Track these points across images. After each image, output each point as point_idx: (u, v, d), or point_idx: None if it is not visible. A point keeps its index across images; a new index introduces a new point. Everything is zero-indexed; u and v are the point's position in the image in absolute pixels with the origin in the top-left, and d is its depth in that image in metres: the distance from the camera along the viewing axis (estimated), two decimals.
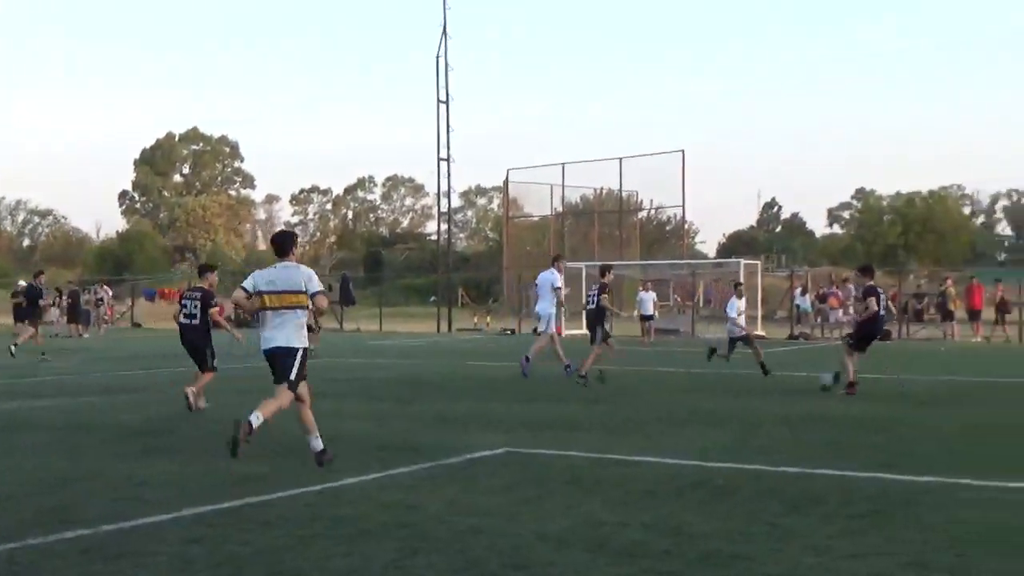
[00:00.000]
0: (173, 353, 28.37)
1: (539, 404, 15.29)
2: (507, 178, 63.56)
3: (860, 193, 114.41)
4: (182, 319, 15.36)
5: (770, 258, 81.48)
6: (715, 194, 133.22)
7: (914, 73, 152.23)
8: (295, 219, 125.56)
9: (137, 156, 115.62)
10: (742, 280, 27.46)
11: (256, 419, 9.80)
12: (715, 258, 76.99)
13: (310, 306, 9.96)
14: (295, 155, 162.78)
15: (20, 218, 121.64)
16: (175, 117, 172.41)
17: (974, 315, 36.45)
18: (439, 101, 47.69)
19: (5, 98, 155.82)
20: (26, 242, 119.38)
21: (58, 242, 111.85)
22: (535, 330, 20.03)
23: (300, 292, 9.85)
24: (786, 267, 71.27)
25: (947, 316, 36.05)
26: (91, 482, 8.95)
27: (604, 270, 20.80)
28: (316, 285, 9.90)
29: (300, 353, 9.93)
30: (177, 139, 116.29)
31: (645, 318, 36.30)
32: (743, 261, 44.47)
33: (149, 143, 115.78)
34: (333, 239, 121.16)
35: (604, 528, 7.14)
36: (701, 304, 51.87)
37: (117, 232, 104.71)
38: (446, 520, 7.41)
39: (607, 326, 19.90)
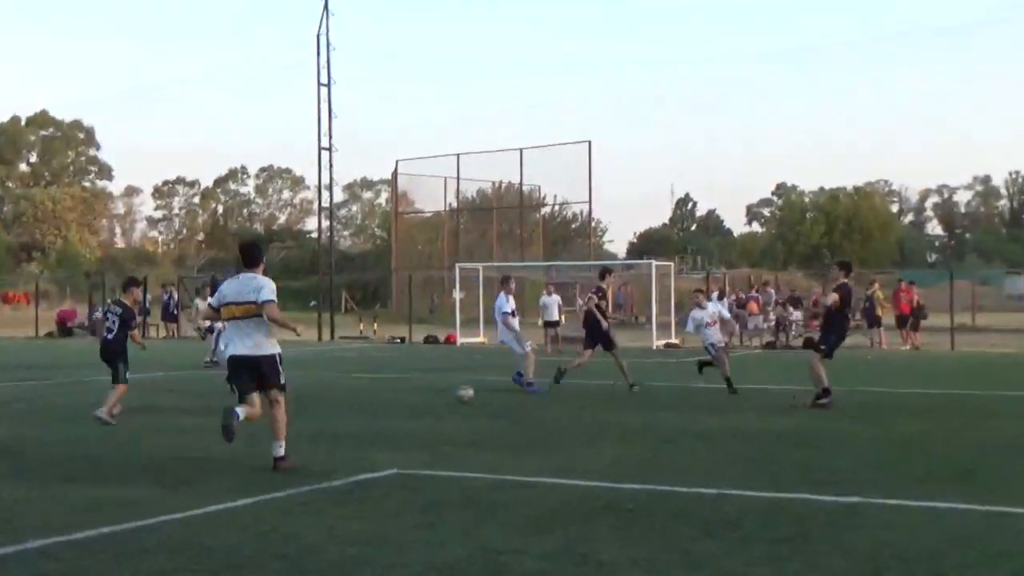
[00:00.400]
0: (18, 364, 27.79)
1: (433, 420, 15.27)
2: (396, 170, 63.40)
3: (781, 189, 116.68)
4: (105, 333, 16.18)
5: (684, 259, 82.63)
6: (624, 189, 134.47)
7: (837, 60, 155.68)
8: (158, 214, 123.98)
9: None
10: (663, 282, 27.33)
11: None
12: (625, 259, 77.81)
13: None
14: (158, 143, 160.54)
15: None
16: (20, 99, 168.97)
17: (903, 321, 37.21)
18: (320, 84, 47.28)
19: None
20: None
21: None
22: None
23: (252, 303, 10.85)
24: (702, 269, 72.21)
25: (874, 322, 36.76)
26: None
27: (604, 273, 21.64)
28: (266, 295, 10.81)
29: (278, 357, 11.00)
30: (24, 123, 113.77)
31: (550, 324, 36.33)
32: (655, 262, 45.03)
33: None
34: (201, 236, 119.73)
35: (502, 557, 7.15)
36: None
37: None
38: (326, 549, 7.35)
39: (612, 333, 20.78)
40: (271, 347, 10.97)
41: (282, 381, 11.09)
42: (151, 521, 8.26)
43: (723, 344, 20.11)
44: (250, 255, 11.25)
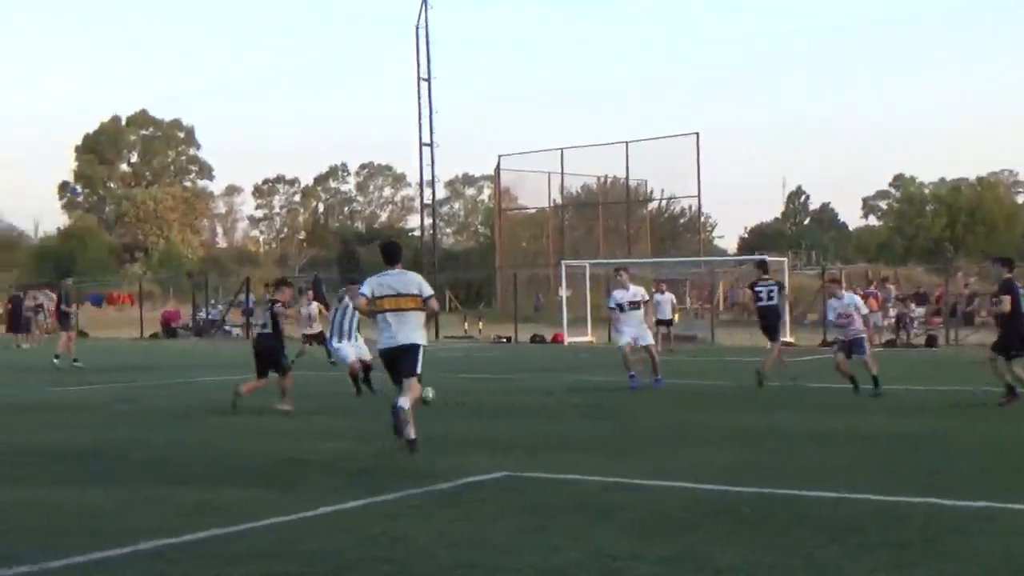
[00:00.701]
0: (123, 366, 28.40)
1: (540, 422, 15.31)
2: (498, 165, 63.59)
3: (899, 180, 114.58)
4: (259, 329, 18.14)
5: (798, 254, 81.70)
6: (735, 183, 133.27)
7: (957, 38, 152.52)
8: (259, 213, 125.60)
9: (79, 143, 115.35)
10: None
11: (408, 432, 12.06)
12: (736, 255, 77.15)
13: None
14: (258, 141, 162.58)
15: None
16: (121, 98, 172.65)
17: None
18: (420, 79, 47.71)
19: None
20: None
21: None
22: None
23: (416, 296, 12.36)
24: (816, 264, 71.36)
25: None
26: (35, 510, 8.94)
27: (765, 265, 22.47)
28: (429, 290, 12.54)
29: (422, 349, 12.37)
30: (124, 123, 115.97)
31: (661, 323, 36.09)
32: (768, 258, 44.53)
33: (92, 128, 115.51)
34: (302, 235, 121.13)
35: (616, 562, 7.14)
36: (722, 307, 51.93)
37: (58, 229, 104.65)
38: (436, 554, 7.41)
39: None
40: (422, 337, 12.46)
41: (418, 370, 12.32)
42: (260, 523, 8.39)
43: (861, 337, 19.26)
44: (395, 253, 12.81)
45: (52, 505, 9.20)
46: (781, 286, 21.70)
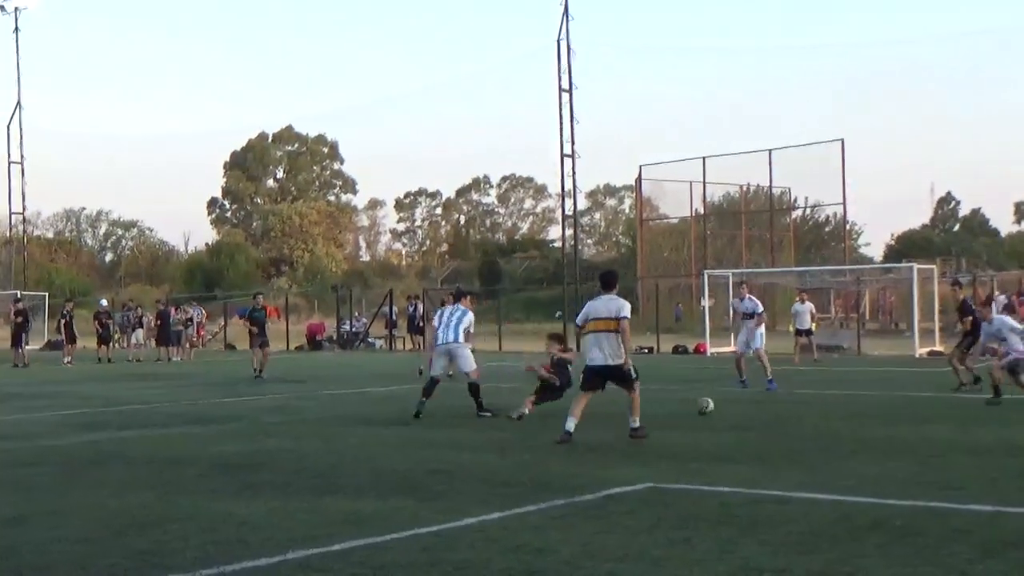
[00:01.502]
0: (271, 378, 28.96)
1: (684, 433, 15.20)
2: (640, 175, 63.49)
3: None
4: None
5: (948, 262, 79.83)
6: (881, 189, 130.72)
7: None
8: (401, 226, 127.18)
9: (227, 159, 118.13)
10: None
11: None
12: (883, 262, 75.74)
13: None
14: (400, 155, 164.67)
15: (102, 230, 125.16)
16: (267, 115, 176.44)
17: None
18: (561, 90, 47.72)
19: (83, 100, 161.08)
20: (109, 257, 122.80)
21: (143, 256, 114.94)
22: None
23: (613, 319, 14.16)
24: (967, 272, 69.66)
25: None
26: (185, 522, 9.15)
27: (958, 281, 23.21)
28: (625, 312, 14.27)
29: (630, 368, 14.28)
30: (270, 139, 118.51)
31: (801, 332, 35.78)
32: (916, 266, 43.65)
33: (239, 145, 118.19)
34: (444, 248, 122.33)
35: None
36: (868, 316, 51.01)
37: (207, 244, 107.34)
38: (581, 566, 7.40)
39: None
40: (620, 358, 14.17)
41: (634, 380, 14.33)
42: (405, 534, 8.47)
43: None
44: (608, 280, 14.84)
45: (207, 515, 9.41)
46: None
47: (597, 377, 14.41)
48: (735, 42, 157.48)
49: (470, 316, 18.44)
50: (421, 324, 48.16)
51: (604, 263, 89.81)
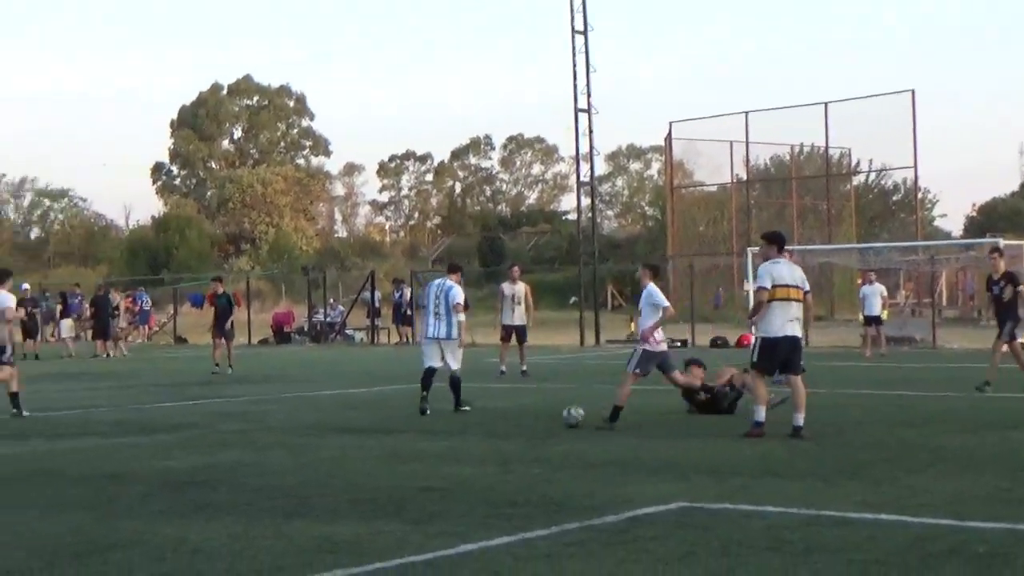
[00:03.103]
0: (228, 378, 28.99)
1: (724, 442, 15.21)
2: (669, 134, 63.40)
3: None
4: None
5: None
6: (959, 152, 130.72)
7: None
8: (384, 196, 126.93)
9: (174, 117, 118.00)
10: None
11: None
12: (962, 238, 75.68)
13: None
14: (382, 110, 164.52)
15: (26, 201, 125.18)
16: (220, 64, 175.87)
17: None
18: (574, 31, 47.54)
19: (2, 51, 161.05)
20: (35, 232, 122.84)
21: (76, 232, 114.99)
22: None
23: (800, 288, 15.58)
24: None
25: None
26: (130, 549, 9.17)
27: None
28: (807, 284, 15.74)
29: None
30: (224, 91, 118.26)
31: (870, 320, 35.45)
32: (1003, 241, 43.64)
33: (188, 99, 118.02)
34: (436, 221, 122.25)
35: None
36: (945, 302, 51.02)
37: (152, 217, 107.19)
38: None
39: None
40: (801, 330, 15.66)
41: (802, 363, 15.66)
42: (392, 563, 8.49)
43: None
44: (783, 241, 16.27)
45: (153, 542, 9.42)
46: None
47: (782, 351, 15.56)
48: None
49: (457, 291, 19.43)
50: (408, 312, 48.18)
51: (627, 239, 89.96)
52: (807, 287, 15.74)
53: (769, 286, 15.43)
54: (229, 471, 13.37)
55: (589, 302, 47.97)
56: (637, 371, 17.20)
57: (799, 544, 8.96)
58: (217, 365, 31.29)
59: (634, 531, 9.59)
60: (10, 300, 20.79)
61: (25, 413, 20.09)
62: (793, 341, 15.50)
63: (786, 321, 15.43)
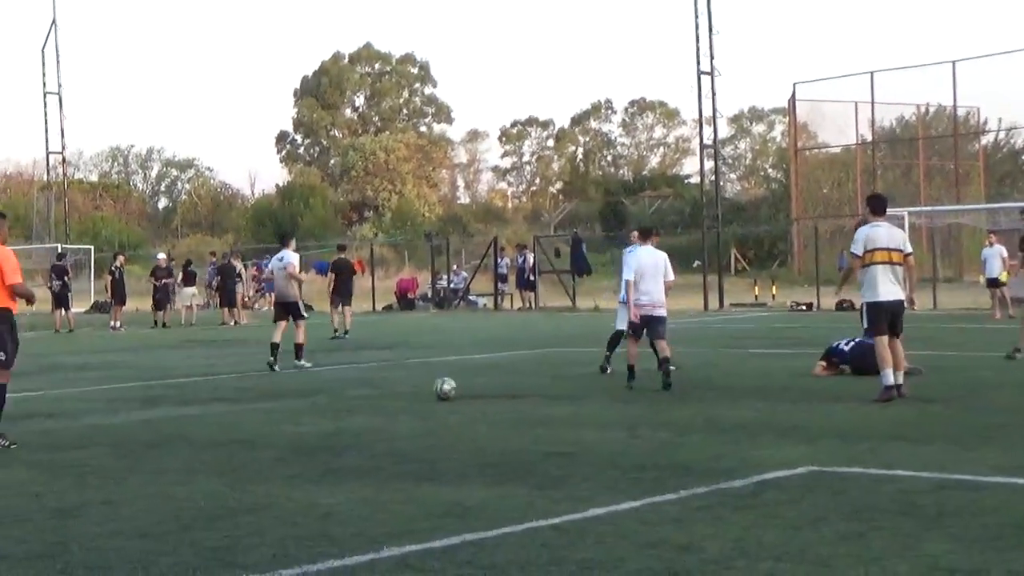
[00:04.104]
0: (354, 344, 29.26)
1: (853, 405, 15.09)
2: (794, 95, 62.80)
3: None
4: None
5: None
6: None
7: None
8: (506, 162, 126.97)
9: (297, 86, 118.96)
10: None
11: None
12: None
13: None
14: (504, 77, 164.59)
15: (154, 172, 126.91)
16: (343, 32, 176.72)
17: None
18: None
19: (128, 21, 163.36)
20: (162, 202, 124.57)
21: (203, 202, 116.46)
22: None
23: (899, 251, 15.71)
24: None
25: None
26: (261, 513, 9.31)
27: None
28: (909, 247, 15.95)
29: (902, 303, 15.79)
30: (346, 60, 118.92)
31: (991, 283, 34.95)
32: None
33: (311, 69, 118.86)
34: (558, 186, 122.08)
35: None
36: None
37: (276, 186, 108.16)
38: (732, 565, 7.40)
39: None
40: (902, 292, 15.71)
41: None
42: (520, 527, 8.52)
43: None
44: (881, 204, 16.34)
45: (284, 507, 9.55)
46: None
47: (887, 313, 15.62)
48: None
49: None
50: (532, 278, 48.23)
51: (750, 202, 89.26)
52: (908, 249, 15.90)
53: (860, 252, 15.64)
54: (357, 436, 13.49)
55: (712, 266, 47.71)
56: None
57: (931, 508, 8.86)
58: (336, 330, 32.28)
59: (763, 495, 9.55)
60: (295, 258, 23.66)
61: (307, 365, 22.68)
62: (896, 303, 15.62)
63: (888, 284, 15.56)
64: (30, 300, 14.60)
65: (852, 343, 18.42)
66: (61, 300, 40.57)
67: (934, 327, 22.55)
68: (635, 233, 20.02)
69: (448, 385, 16.67)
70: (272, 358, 22.25)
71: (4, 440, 13.06)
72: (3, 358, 13.07)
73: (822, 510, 8.88)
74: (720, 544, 7.90)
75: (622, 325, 18.84)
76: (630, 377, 17.43)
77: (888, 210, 16.97)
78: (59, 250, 49.41)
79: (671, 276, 17.86)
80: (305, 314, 23.61)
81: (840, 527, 8.31)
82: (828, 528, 8.31)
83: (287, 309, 23.20)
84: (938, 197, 56.25)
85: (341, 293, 33.22)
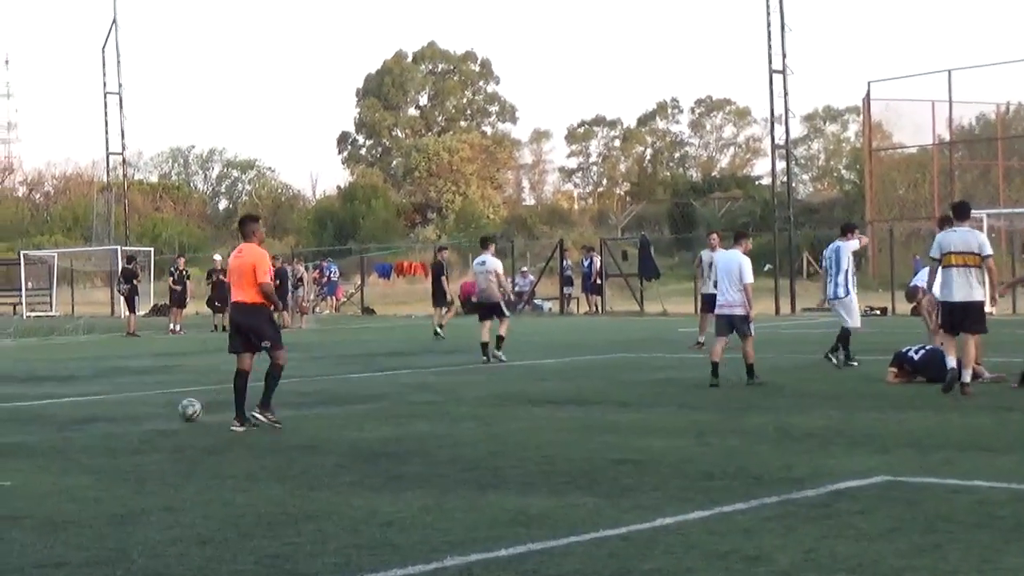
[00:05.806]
0: (417, 348, 29.32)
1: (929, 413, 15.01)
2: (868, 94, 62.35)
3: None
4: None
5: None
6: None
7: None
8: (572, 162, 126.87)
9: (359, 86, 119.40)
10: None
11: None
12: None
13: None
14: (570, 75, 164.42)
15: (214, 173, 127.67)
16: (406, 31, 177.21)
17: None
18: None
19: (189, 21, 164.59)
20: (223, 203, 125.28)
21: (264, 203, 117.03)
22: None
23: (976, 254, 16.47)
24: None
25: None
26: (322, 521, 9.36)
27: None
28: (988, 249, 16.71)
29: (982, 305, 16.68)
30: (409, 59, 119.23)
31: None
32: None
33: (374, 68, 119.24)
34: (625, 188, 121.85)
35: None
36: None
37: (338, 187, 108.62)
38: None
39: None
40: (979, 294, 16.55)
41: (983, 324, 16.83)
42: (586, 537, 8.53)
43: None
44: (964, 210, 17.30)
45: (345, 514, 9.60)
46: None
47: (958, 314, 16.58)
48: None
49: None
50: (598, 281, 48.17)
51: (823, 203, 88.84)
52: (986, 252, 16.64)
53: (937, 256, 16.81)
54: (421, 442, 13.53)
55: (784, 270, 47.49)
56: None
57: (1010, 520, 8.81)
58: (439, 327, 33.75)
59: (836, 506, 9.51)
60: (498, 264, 25.86)
61: (503, 357, 24.39)
62: (965, 304, 16.47)
63: (959, 285, 16.48)
64: (273, 302, 15.57)
65: (923, 351, 18.40)
66: (130, 303, 41.39)
67: (1013, 332, 22.35)
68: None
69: (192, 408, 16.16)
70: (484, 356, 24.43)
71: (273, 416, 15.04)
72: (267, 345, 15.18)
73: (896, 521, 8.84)
74: (791, 555, 7.88)
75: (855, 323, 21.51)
76: (713, 374, 18.33)
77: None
78: (124, 253, 50.14)
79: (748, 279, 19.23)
80: (508, 312, 25.73)
81: (915, 539, 8.28)
82: (902, 540, 8.27)
83: (492, 310, 25.25)
84: (1018, 199, 55.70)
85: (437, 294, 35.06)
